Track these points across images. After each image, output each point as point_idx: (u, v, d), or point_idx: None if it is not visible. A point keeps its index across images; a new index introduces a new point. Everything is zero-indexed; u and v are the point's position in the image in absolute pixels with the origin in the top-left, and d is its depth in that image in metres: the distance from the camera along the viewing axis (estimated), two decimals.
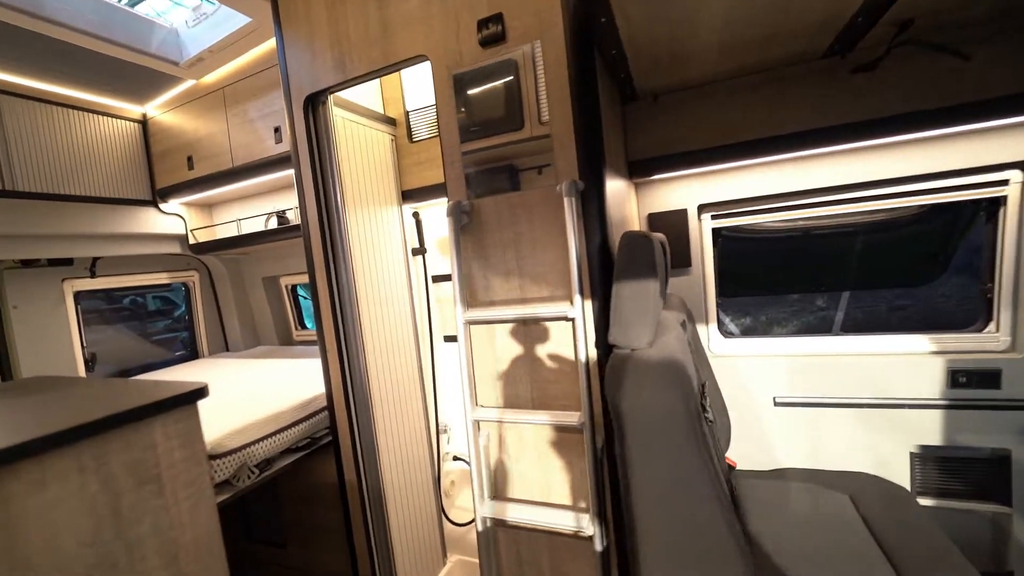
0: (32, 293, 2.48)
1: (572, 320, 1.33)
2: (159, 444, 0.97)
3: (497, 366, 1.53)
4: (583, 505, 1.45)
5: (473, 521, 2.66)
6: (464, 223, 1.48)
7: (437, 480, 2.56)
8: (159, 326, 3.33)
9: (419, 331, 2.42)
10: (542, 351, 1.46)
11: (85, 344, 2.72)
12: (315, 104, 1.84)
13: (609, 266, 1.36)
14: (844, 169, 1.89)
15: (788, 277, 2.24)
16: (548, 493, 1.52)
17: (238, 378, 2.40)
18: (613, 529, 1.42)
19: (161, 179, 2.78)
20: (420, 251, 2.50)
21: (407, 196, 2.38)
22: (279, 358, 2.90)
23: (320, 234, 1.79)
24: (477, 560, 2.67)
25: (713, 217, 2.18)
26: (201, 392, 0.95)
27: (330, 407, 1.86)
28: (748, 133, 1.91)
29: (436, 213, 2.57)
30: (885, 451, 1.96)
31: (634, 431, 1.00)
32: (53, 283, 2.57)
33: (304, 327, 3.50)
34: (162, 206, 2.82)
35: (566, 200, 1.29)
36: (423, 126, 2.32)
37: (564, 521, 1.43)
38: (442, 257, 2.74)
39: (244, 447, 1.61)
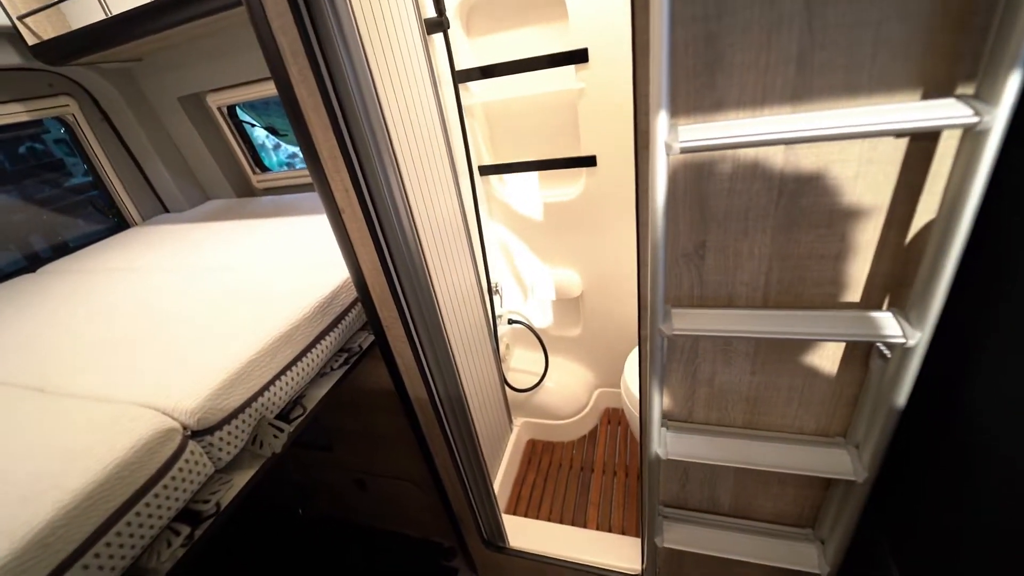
0: None
1: (976, 130, 0.57)
2: None
3: (697, 232, 0.81)
4: (828, 433, 0.94)
5: (537, 386, 2.30)
6: None
7: (496, 350, 2.09)
8: (58, 188, 2.30)
9: (455, 158, 1.58)
10: (813, 202, 0.73)
11: None
12: None
13: None
14: None
15: None
16: (756, 415, 0.99)
17: (198, 263, 1.61)
18: None
19: None
20: (439, 24, 1.47)
21: None
22: (244, 218, 2.05)
23: None
24: (542, 420, 2.43)
25: None
26: None
27: (364, 299, 1.16)
28: None
29: None
30: None
31: None
32: None
33: (263, 169, 2.53)
34: None
35: None
36: None
37: (791, 459, 0.94)
38: (469, 40, 1.70)
39: (253, 399, 0.97)
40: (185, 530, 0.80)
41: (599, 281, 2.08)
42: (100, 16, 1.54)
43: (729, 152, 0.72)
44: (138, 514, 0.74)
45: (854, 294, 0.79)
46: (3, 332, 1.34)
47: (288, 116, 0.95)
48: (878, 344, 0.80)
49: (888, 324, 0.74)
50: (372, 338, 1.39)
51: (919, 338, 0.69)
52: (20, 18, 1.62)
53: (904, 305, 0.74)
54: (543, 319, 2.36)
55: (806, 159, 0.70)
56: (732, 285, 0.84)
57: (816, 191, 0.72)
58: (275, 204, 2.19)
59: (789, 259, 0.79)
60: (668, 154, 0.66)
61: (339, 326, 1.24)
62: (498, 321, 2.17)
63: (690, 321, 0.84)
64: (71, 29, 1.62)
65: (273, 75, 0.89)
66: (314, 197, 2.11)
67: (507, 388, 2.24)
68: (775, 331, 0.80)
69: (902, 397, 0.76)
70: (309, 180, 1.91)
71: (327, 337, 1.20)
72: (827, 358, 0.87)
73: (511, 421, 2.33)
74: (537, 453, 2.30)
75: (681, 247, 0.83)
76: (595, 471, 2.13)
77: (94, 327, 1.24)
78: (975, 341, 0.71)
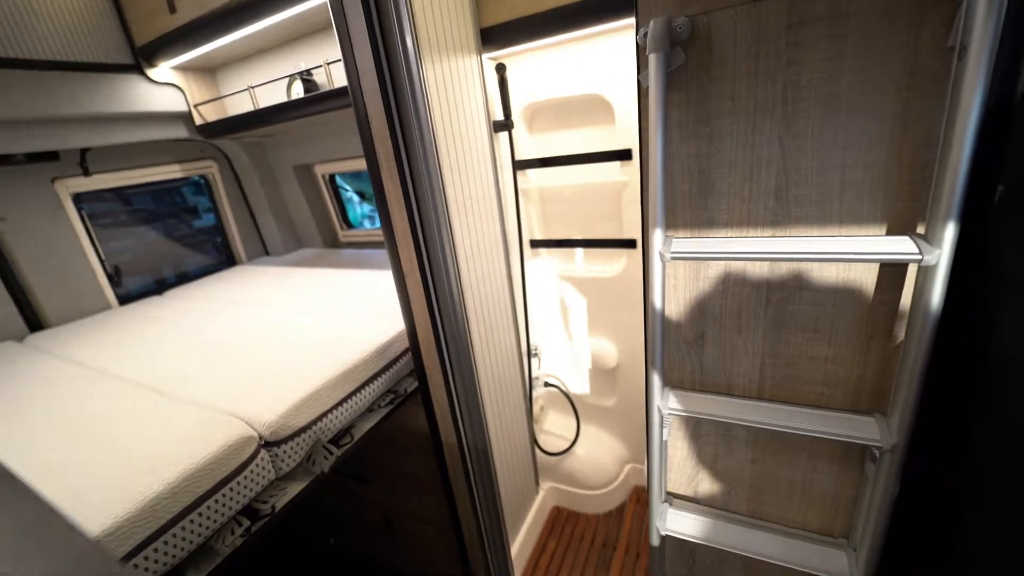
0: (19, 198, 1.96)
1: (921, 265, 0.67)
2: None
3: (697, 325, 0.93)
4: (832, 533, 0.96)
5: (567, 451, 2.35)
6: (678, 64, 0.76)
7: (530, 411, 2.18)
8: (188, 229, 2.83)
9: (507, 235, 1.81)
10: (799, 309, 0.83)
11: (104, 256, 2.26)
12: None
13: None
14: None
15: None
16: (760, 504, 1.03)
17: (287, 303, 1.92)
18: None
19: (139, 31, 2.00)
20: (505, 125, 1.76)
21: (487, 38, 1.58)
22: (328, 267, 2.39)
23: (383, 99, 1.08)
24: (569, 487, 2.43)
25: None
26: None
27: (414, 349, 1.36)
28: None
29: (526, 66, 1.76)
30: None
31: None
32: (42, 184, 2.02)
33: (350, 226, 2.93)
34: (151, 73, 2.09)
35: None
36: None
37: (792, 553, 0.96)
38: (530, 135, 1.99)
39: (314, 422, 1.16)
40: (246, 523, 0.98)
41: (634, 355, 2.16)
42: (249, 108, 2.00)
43: (722, 260, 0.86)
44: (216, 500, 0.93)
45: (843, 396, 0.85)
46: (134, 341, 1.68)
47: (376, 200, 1.22)
48: (871, 446, 0.85)
49: (871, 428, 0.80)
50: (416, 384, 1.57)
51: (895, 443, 0.75)
52: (195, 105, 2.15)
53: (887, 410, 0.80)
54: (580, 385, 2.44)
55: (790, 273, 0.82)
56: (730, 375, 0.94)
57: (801, 300, 0.83)
58: (354, 256, 2.53)
59: (781, 357, 0.88)
60: (662, 261, 0.80)
61: (391, 370, 1.44)
62: (534, 382, 2.29)
63: (688, 403, 0.93)
64: (227, 115, 2.11)
65: (369, 171, 1.17)
66: (384, 254, 2.43)
67: (537, 449, 2.30)
68: (768, 423, 0.87)
69: (889, 499, 0.80)
70: (382, 239, 2.23)
71: (380, 378, 1.39)
72: (825, 456, 0.92)
73: (538, 484, 2.36)
74: (561, 521, 2.30)
75: (683, 335, 0.95)
76: (618, 550, 2.08)
77: (202, 345, 1.53)
78: (957, 442, 0.75)
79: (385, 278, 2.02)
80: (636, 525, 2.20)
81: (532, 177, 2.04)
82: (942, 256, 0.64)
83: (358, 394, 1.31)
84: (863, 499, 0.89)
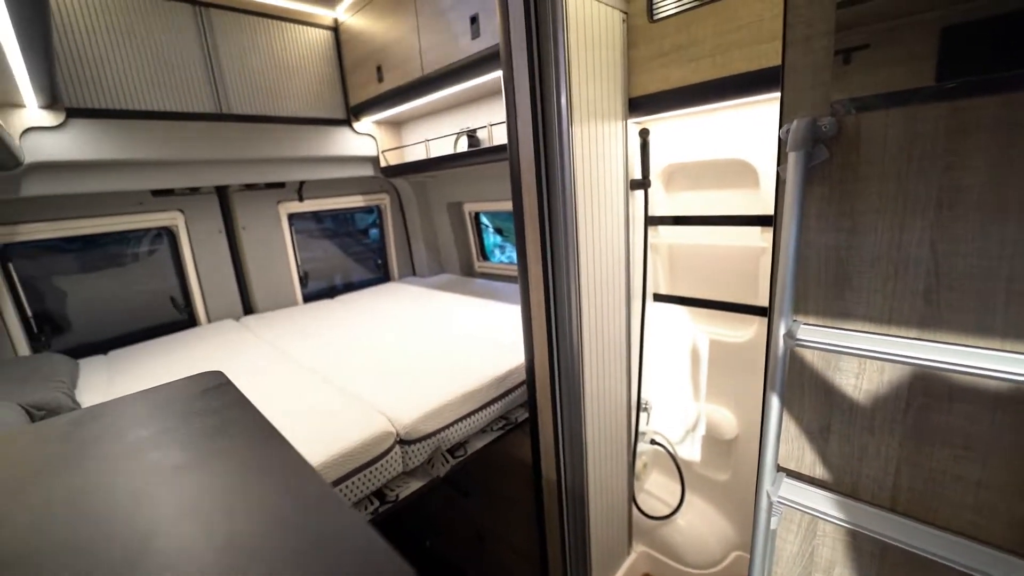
0: (255, 215, 2.62)
1: None
2: None
3: (822, 415, 0.89)
4: None
5: (668, 518, 2.23)
6: (820, 160, 0.79)
7: (632, 465, 2.15)
8: (357, 247, 3.43)
9: (631, 286, 1.86)
10: (945, 420, 0.76)
11: (299, 263, 2.87)
12: None
13: None
14: None
15: None
16: None
17: (428, 321, 2.22)
18: None
19: (354, 95, 2.57)
20: (643, 184, 1.85)
21: (634, 106, 1.70)
22: (464, 294, 2.69)
23: (535, 157, 1.27)
24: (665, 558, 2.29)
25: None
26: None
27: (530, 384, 1.49)
28: None
29: (669, 130, 1.84)
30: None
31: None
32: (270, 205, 2.67)
33: (485, 259, 3.25)
34: (355, 126, 2.65)
35: None
36: None
37: None
38: (666, 194, 2.04)
39: (439, 431, 1.35)
40: (376, 503, 1.18)
41: (756, 429, 2.00)
42: (423, 155, 2.41)
43: (857, 357, 0.82)
44: (360, 478, 1.14)
45: (1002, 530, 0.74)
46: (311, 336, 2.11)
47: (516, 245, 1.40)
48: None
49: None
50: (527, 415, 1.69)
51: None
52: (383, 151, 2.65)
53: None
54: (690, 451, 2.32)
55: (936, 379, 0.76)
56: (857, 476, 0.88)
57: (949, 411, 0.76)
58: (485, 287, 2.80)
59: (921, 469, 0.80)
60: (785, 345, 0.81)
61: (506, 398, 1.59)
62: (640, 437, 2.24)
63: (805, 497, 0.89)
64: (405, 160, 2.57)
65: (515, 218, 1.35)
66: (512, 288, 2.65)
67: (635, 507, 2.23)
68: (903, 541, 0.80)
69: None
70: (512, 273, 2.47)
71: (496, 403, 1.55)
72: None
73: (631, 544, 2.28)
74: None
75: (805, 424, 0.92)
76: None
77: (359, 346, 1.86)
78: None
79: (510, 312, 2.22)
80: None
81: (663, 233, 2.08)
82: None
83: (476, 414, 1.48)
84: None
